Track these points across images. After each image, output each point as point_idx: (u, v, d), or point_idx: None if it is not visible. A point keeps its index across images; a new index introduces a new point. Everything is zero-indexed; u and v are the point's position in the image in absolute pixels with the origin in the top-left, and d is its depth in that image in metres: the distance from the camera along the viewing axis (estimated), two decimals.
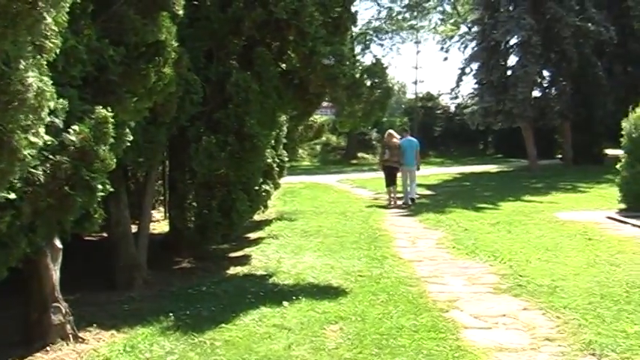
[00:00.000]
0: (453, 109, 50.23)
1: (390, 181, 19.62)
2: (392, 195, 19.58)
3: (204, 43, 9.95)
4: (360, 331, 6.81)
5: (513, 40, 32.98)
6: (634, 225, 14.30)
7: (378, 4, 49.31)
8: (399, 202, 19.38)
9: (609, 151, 32.12)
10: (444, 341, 6.49)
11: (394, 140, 19.72)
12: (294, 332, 6.82)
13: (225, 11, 9.91)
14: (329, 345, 6.43)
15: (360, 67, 11.26)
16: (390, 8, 49.57)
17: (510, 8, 31.95)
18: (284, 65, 10.62)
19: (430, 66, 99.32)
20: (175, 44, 7.47)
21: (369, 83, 10.58)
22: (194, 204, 10.67)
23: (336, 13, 10.43)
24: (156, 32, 7.00)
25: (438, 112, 50.14)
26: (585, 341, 6.47)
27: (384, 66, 11.21)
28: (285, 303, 7.89)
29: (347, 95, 10.22)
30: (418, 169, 20.31)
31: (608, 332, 6.74)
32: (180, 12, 7.52)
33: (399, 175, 19.77)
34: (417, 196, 20.18)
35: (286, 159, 14.90)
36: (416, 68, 51.78)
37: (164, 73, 7.20)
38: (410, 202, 19.23)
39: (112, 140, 6.11)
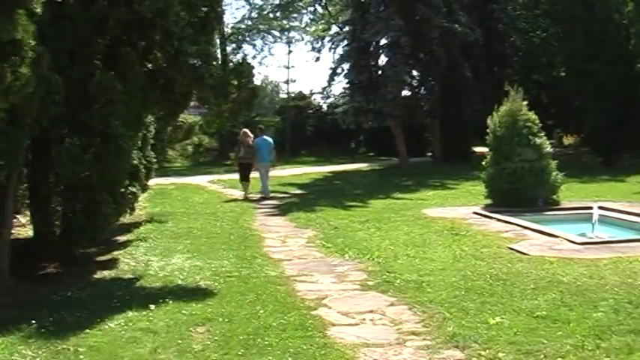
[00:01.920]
0: (325, 108, 50.61)
1: (244, 176, 21.26)
2: (246, 189, 21.11)
3: (67, 43, 9.64)
4: (227, 331, 6.79)
5: (383, 41, 33.52)
6: (499, 220, 14.83)
7: (250, 4, 49.13)
8: (252, 197, 20.85)
9: (477, 149, 33.14)
10: (311, 339, 6.55)
11: (248, 139, 21.52)
12: (160, 335, 6.73)
13: (89, 10, 9.63)
14: (195, 347, 6.38)
15: (229, 67, 11.22)
16: (262, 8, 49.46)
17: (380, 9, 32.50)
18: (150, 65, 10.46)
19: (303, 65, 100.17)
20: (34, 43, 7.24)
21: (236, 83, 10.56)
22: (58, 207, 10.38)
23: (202, 13, 10.37)
24: (11, 30, 6.77)
25: (310, 111, 50.38)
26: (449, 334, 6.69)
27: (251, 65, 11.22)
28: (152, 306, 7.76)
29: (214, 95, 10.18)
30: (274, 166, 22.20)
31: (472, 324, 6.98)
32: (39, 10, 7.31)
33: (258, 174, 21.31)
34: (270, 189, 21.44)
35: (154, 160, 14.66)
36: (288, 68, 51.89)
37: (21, 73, 6.97)
38: (264, 195, 20.82)
39: None
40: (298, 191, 23.43)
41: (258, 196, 21.07)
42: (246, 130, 22.31)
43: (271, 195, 21.22)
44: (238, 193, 21.62)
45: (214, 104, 10.64)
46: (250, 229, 14.33)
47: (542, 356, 6.06)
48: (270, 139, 22.03)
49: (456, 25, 32.03)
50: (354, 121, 35.73)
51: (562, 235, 12.76)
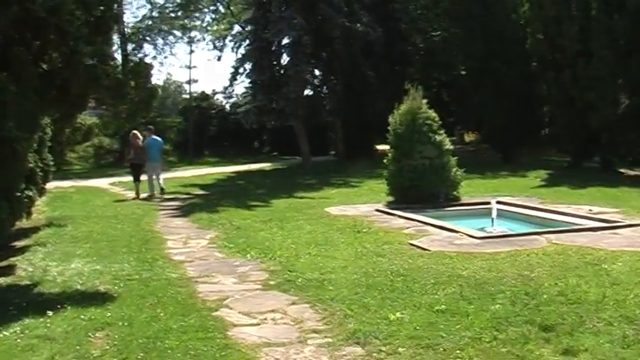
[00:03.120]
0: (228, 108, 50.40)
1: (136, 176, 21.46)
2: (137, 190, 21.34)
3: None
4: (126, 336, 6.69)
5: (285, 40, 33.58)
6: (400, 216, 15.07)
7: (151, 3, 48.40)
8: (144, 195, 21.31)
9: (380, 147, 33.53)
10: (211, 340, 6.53)
11: (137, 140, 21.84)
12: (57, 342, 6.58)
13: None
14: (94, 353, 6.27)
15: (125, 67, 11.07)
16: (163, 7, 48.79)
17: (282, 8, 32.53)
18: (45, 65, 10.22)
19: (205, 65, 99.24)
20: None
21: (133, 84, 10.42)
22: None
23: (98, 12, 10.19)
24: None
25: (213, 111, 50.03)
26: (350, 331, 6.76)
27: (150, 65, 11.10)
28: (49, 312, 7.57)
29: (111, 96, 10.03)
30: (163, 166, 23.35)
31: (372, 320, 7.08)
32: None
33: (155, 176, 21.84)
34: (162, 184, 22.03)
35: (52, 163, 14.33)
36: (189, 68, 51.35)
37: None
38: (158, 194, 21.32)
39: None
40: (201, 192, 23.31)
41: (147, 195, 21.41)
42: (135, 131, 22.66)
43: (167, 195, 21.50)
44: (142, 195, 21.39)
45: (111, 105, 10.47)
46: (152, 232, 14.16)
47: (441, 349, 6.18)
48: (159, 139, 22.71)
49: (358, 25, 32.37)
50: (257, 120, 35.75)
51: (462, 231, 13.06)
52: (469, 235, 12.67)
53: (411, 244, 11.67)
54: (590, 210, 15.91)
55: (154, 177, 21.83)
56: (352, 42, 33.03)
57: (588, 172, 25.47)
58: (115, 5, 10.91)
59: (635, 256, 10.37)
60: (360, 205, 17.35)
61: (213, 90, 53.40)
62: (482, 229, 13.63)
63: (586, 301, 7.68)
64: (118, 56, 29.58)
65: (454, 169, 17.55)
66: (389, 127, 17.62)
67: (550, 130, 31.35)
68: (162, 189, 21.74)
